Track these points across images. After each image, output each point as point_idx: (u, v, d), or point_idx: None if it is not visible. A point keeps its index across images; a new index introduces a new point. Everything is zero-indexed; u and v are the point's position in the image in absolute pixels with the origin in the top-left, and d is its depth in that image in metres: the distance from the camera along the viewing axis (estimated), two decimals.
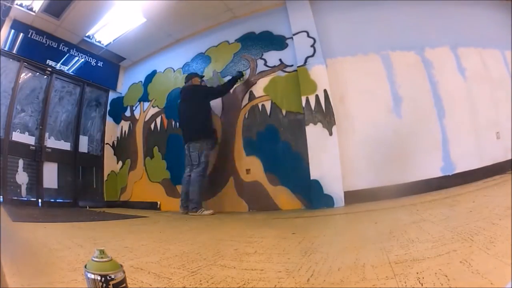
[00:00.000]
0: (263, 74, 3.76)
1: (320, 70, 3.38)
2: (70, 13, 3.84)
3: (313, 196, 3.12)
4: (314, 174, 3.14)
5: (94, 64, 4.89)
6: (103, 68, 5.02)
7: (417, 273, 0.86)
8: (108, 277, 0.65)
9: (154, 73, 4.86)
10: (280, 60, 3.70)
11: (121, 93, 5.22)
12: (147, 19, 4.09)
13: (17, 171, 3.83)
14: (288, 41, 3.71)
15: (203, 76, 3.98)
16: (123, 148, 4.93)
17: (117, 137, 5.03)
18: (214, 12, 4.07)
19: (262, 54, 3.83)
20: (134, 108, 4.95)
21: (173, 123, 4.34)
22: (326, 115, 3.24)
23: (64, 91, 4.64)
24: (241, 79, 3.75)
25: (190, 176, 3.33)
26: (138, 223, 2.89)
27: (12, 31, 3.84)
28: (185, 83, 3.78)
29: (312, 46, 3.48)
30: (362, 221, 2.17)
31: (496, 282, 0.72)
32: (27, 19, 3.88)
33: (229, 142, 3.78)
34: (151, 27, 4.27)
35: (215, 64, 4.17)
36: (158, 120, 4.54)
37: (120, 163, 4.88)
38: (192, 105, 3.46)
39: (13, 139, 3.85)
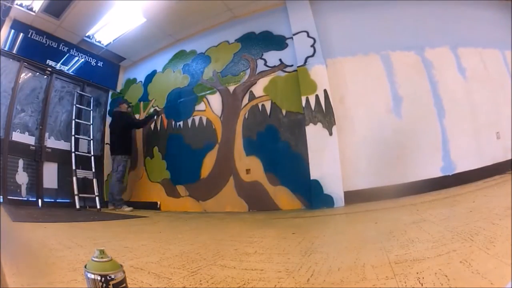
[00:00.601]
0: (263, 74, 3.76)
1: (320, 70, 3.38)
2: (70, 13, 3.84)
3: (313, 196, 3.12)
4: (314, 174, 3.14)
5: (94, 64, 4.89)
6: (103, 68, 5.02)
7: (417, 273, 0.86)
8: (108, 277, 0.65)
9: (154, 73, 4.86)
10: (280, 60, 3.70)
11: (121, 93, 5.22)
12: (147, 19, 4.09)
13: (17, 171, 3.83)
14: (288, 41, 3.71)
15: (131, 103, 4.83)
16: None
17: None
18: (214, 12, 4.07)
19: (262, 54, 3.83)
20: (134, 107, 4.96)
21: (173, 123, 4.35)
22: (326, 115, 3.24)
23: (64, 91, 4.64)
24: (155, 117, 4.51)
25: (113, 182, 4.24)
26: (138, 223, 2.89)
27: (12, 31, 3.84)
28: (114, 106, 4.67)
29: (312, 46, 3.49)
30: (362, 221, 2.17)
31: (496, 282, 0.72)
32: (27, 19, 3.88)
33: (229, 142, 3.78)
34: (151, 27, 4.27)
35: (215, 64, 4.17)
36: (158, 120, 4.53)
37: None
38: (116, 129, 4.41)
39: (13, 139, 3.84)
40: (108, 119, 5.12)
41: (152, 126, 4.60)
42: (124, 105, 4.55)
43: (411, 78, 3.32)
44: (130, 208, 4.06)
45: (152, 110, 4.61)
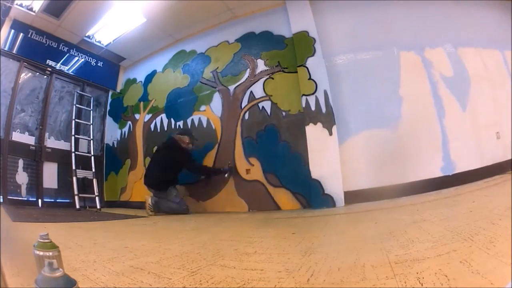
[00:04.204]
0: (263, 74, 3.76)
1: (320, 70, 3.38)
2: (70, 13, 3.84)
3: (313, 196, 3.12)
4: (314, 174, 3.14)
5: (94, 64, 4.89)
6: (103, 68, 5.02)
7: (417, 273, 0.86)
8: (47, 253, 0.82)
9: (154, 73, 4.86)
10: (280, 60, 3.70)
11: (121, 93, 5.22)
12: (147, 19, 4.09)
13: (17, 171, 3.83)
14: (288, 41, 3.71)
15: (196, 140, 3.76)
16: (123, 148, 4.92)
17: (117, 137, 5.03)
18: (214, 12, 4.07)
19: (262, 54, 3.83)
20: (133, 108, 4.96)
21: (173, 123, 4.35)
22: (326, 115, 3.24)
23: (64, 91, 4.64)
24: (226, 175, 3.65)
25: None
26: (138, 223, 2.89)
27: (12, 31, 3.84)
28: (174, 134, 3.75)
29: (312, 46, 3.49)
30: (362, 221, 2.17)
31: (496, 282, 0.72)
32: (27, 19, 3.88)
33: (229, 142, 3.78)
34: (151, 27, 4.27)
35: (215, 64, 4.17)
36: (158, 120, 4.53)
37: (120, 163, 4.88)
38: (164, 160, 3.61)
39: (13, 139, 3.84)
40: (109, 120, 5.12)
41: (152, 126, 4.60)
42: (188, 138, 3.63)
43: (411, 78, 3.32)
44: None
45: (227, 167, 3.67)
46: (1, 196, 3.50)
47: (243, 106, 3.79)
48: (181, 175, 3.80)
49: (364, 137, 3.22)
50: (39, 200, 3.95)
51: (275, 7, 3.89)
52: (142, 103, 4.86)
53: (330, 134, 3.19)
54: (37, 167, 4.07)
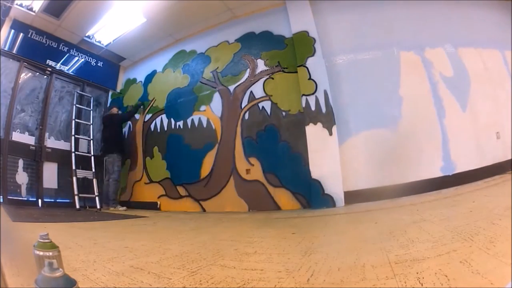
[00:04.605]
0: (263, 74, 3.76)
1: (320, 70, 3.38)
2: (70, 13, 3.84)
3: (313, 196, 3.12)
4: (314, 174, 3.14)
5: (94, 64, 4.89)
6: (103, 68, 5.02)
7: (417, 273, 0.86)
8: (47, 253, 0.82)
9: (154, 73, 4.86)
10: (280, 60, 3.70)
11: (121, 93, 5.22)
12: (147, 19, 4.09)
13: (17, 171, 3.83)
14: (288, 41, 3.71)
15: (122, 107, 4.95)
16: (126, 147, 4.91)
17: None
18: (214, 12, 4.07)
19: (262, 54, 3.83)
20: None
21: (173, 123, 4.35)
22: (326, 115, 3.24)
23: (64, 91, 4.64)
24: (141, 107, 4.74)
25: (109, 181, 4.29)
26: (138, 223, 2.89)
27: (12, 31, 3.84)
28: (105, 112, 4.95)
29: (312, 46, 3.49)
30: (362, 221, 2.17)
31: (496, 282, 0.72)
32: (27, 19, 3.88)
33: (229, 142, 3.78)
34: (151, 27, 4.27)
35: (215, 64, 4.17)
36: (158, 120, 4.54)
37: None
38: (107, 129, 4.56)
39: (13, 139, 3.84)
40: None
41: (152, 126, 4.60)
42: (115, 108, 4.74)
43: (411, 78, 3.32)
44: (124, 208, 4.12)
45: (137, 103, 4.77)
46: (1, 196, 3.50)
47: (243, 106, 3.79)
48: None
49: (364, 137, 3.22)
50: (39, 200, 3.95)
51: (275, 7, 3.89)
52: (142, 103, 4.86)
53: (330, 134, 3.19)
54: (37, 167, 4.07)
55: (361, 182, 3.09)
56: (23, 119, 4.04)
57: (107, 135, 4.55)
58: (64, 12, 3.83)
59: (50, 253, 0.81)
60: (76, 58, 4.65)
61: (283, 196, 3.34)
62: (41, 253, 0.80)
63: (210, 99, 4.06)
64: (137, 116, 4.81)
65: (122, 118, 4.70)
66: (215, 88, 4.06)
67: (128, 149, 4.74)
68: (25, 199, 3.84)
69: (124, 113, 4.80)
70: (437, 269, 0.86)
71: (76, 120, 4.54)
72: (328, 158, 3.14)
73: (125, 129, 4.97)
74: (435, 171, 3.07)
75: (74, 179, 4.10)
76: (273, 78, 3.69)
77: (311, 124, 3.26)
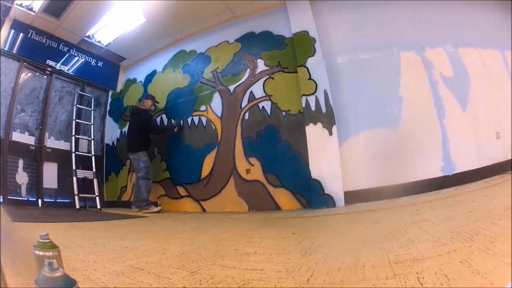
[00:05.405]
0: (263, 74, 3.76)
1: (320, 70, 3.38)
2: (70, 13, 3.84)
3: (313, 196, 3.12)
4: (314, 174, 3.14)
5: (94, 64, 4.88)
6: (103, 68, 5.01)
7: (417, 273, 0.86)
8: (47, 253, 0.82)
9: (154, 73, 4.86)
10: (280, 60, 3.70)
11: (121, 93, 5.22)
12: (147, 19, 4.09)
13: (17, 171, 3.83)
14: (288, 41, 3.71)
15: (157, 102, 4.48)
16: (123, 148, 4.92)
17: (117, 137, 5.02)
18: (214, 12, 4.07)
19: (262, 54, 3.83)
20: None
21: (173, 123, 4.34)
22: (326, 115, 3.24)
23: (64, 91, 4.64)
24: (175, 129, 4.23)
25: (138, 181, 3.94)
26: (138, 223, 2.89)
27: (12, 31, 3.83)
28: (138, 101, 4.50)
29: (312, 46, 3.49)
30: (362, 221, 2.17)
31: (496, 282, 0.72)
32: (27, 19, 3.88)
33: (229, 142, 3.78)
34: (151, 27, 4.27)
35: (215, 64, 4.17)
36: (158, 120, 4.53)
37: (120, 163, 4.88)
38: (135, 126, 4.17)
39: (13, 139, 3.84)
40: (109, 120, 5.13)
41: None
42: (149, 101, 4.26)
43: (411, 78, 3.32)
44: (159, 208, 3.77)
45: (173, 121, 4.31)
46: (1, 196, 3.50)
47: (243, 106, 3.79)
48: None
49: (364, 137, 3.22)
50: (39, 200, 3.95)
51: (275, 7, 3.89)
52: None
53: (330, 134, 3.19)
54: (37, 167, 4.06)
55: (361, 182, 3.09)
56: (23, 119, 4.04)
57: (132, 130, 4.17)
58: (64, 12, 3.83)
59: (50, 253, 0.81)
60: (76, 58, 4.65)
61: (283, 196, 3.34)
62: (41, 253, 0.80)
63: (210, 99, 4.06)
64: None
65: (151, 127, 4.17)
66: (215, 88, 4.06)
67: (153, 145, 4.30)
68: (25, 199, 3.84)
69: (156, 122, 4.38)
70: (437, 269, 0.86)
71: (77, 120, 4.54)
72: (328, 158, 3.14)
73: (125, 129, 4.96)
74: (435, 171, 3.07)
75: (74, 179, 4.10)
76: (273, 78, 3.69)
77: (311, 124, 3.26)
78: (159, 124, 4.46)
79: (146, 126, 4.09)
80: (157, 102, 4.44)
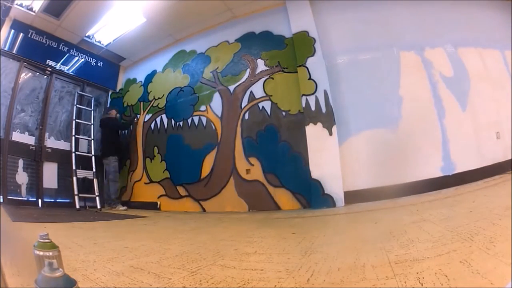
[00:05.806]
0: (263, 74, 3.76)
1: (320, 70, 3.38)
2: (70, 13, 3.84)
3: (313, 196, 3.12)
4: (314, 174, 3.14)
5: (94, 64, 4.89)
6: (103, 68, 5.02)
7: (417, 273, 0.86)
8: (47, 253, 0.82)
9: (154, 73, 4.86)
10: (280, 60, 3.70)
11: (121, 93, 5.22)
12: (147, 19, 4.09)
13: (17, 171, 3.83)
14: (288, 41, 3.71)
15: (122, 111, 5.02)
16: (123, 148, 4.92)
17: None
18: (214, 12, 4.07)
19: (262, 54, 3.83)
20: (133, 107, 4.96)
21: (173, 123, 4.35)
22: (326, 115, 3.24)
23: (64, 91, 4.64)
24: (135, 120, 4.82)
25: (109, 183, 4.47)
26: (138, 223, 2.89)
27: (12, 31, 3.83)
28: (104, 114, 4.95)
29: (312, 46, 3.49)
30: (362, 221, 2.17)
31: (496, 282, 0.72)
32: (27, 19, 3.88)
33: (229, 142, 3.78)
34: (151, 27, 4.27)
35: (215, 64, 4.17)
36: (158, 120, 4.53)
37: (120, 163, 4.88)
38: (105, 133, 4.70)
39: (13, 139, 3.84)
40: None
41: (152, 125, 4.60)
42: (114, 111, 4.78)
43: (411, 78, 3.32)
44: (125, 207, 4.18)
45: (132, 116, 4.87)
46: (1, 196, 3.50)
47: (243, 106, 3.79)
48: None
49: (364, 137, 3.22)
50: (39, 200, 3.95)
51: (275, 7, 3.89)
52: (142, 103, 4.86)
53: (330, 134, 3.19)
54: (37, 167, 4.06)
55: (361, 182, 3.09)
56: (23, 119, 4.04)
57: (104, 138, 4.69)
58: (64, 12, 3.83)
59: (50, 253, 0.81)
60: (76, 58, 4.65)
61: (283, 196, 3.34)
62: (41, 253, 0.81)
63: (210, 99, 4.06)
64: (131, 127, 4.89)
65: (118, 126, 4.78)
66: (215, 88, 4.06)
67: (125, 151, 4.77)
68: (25, 199, 3.84)
69: (120, 121, 4.88)
70: (437, 269, 0.86)
71: (77, 120, 4.54)
72: (328, 158, 3.14)
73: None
74: (435, 171, 3.07)
75: (74, 179, 4.11)
76: (273, 78, 3.69)
77: (311, 124, 3.26)
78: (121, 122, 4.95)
79: (117, 127, 4.73)
80: (120, 112, 5.00)
